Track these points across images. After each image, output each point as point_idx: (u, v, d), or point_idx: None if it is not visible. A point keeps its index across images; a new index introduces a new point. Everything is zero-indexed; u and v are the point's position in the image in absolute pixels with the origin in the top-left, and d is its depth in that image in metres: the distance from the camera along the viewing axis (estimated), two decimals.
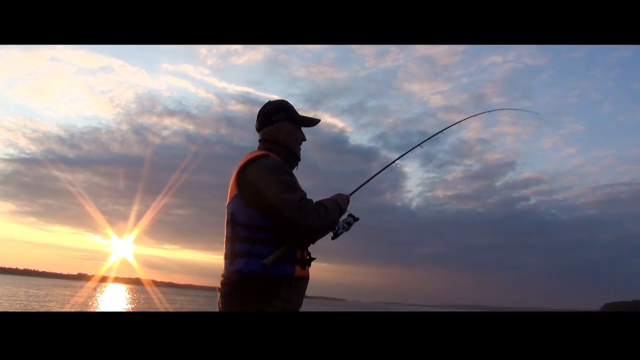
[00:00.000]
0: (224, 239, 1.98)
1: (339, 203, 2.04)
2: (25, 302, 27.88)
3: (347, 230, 2.12)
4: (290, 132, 2.12)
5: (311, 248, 2.04)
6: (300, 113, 2.18)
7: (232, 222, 1.94)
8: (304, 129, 2.20)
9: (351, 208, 2.17)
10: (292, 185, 1.90)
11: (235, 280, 1.87)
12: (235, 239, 1.92)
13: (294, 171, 2.12)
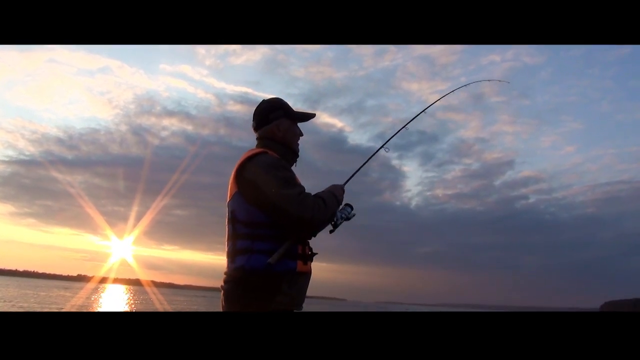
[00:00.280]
0: (226, 237, 1.99)
1: (335, 194, 2.06)
2: (25, 304, 27.86)
3: (346, 220, 2.14)
4: (288, 128, 2.14)
5: (312, 245, 2.04)
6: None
7: (233, 220, 1.96)
8: (299, 125, 2.22)
9: (349, 203, 2.19)
10: (291, 181, 1.92)
11: (237, 277, 1.88)
12: (236, 236, 1.93)
13: (293, 167, 2.13)
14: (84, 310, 27.45)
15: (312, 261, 2.03)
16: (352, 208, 2.19)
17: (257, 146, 2.13)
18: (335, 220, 2.08)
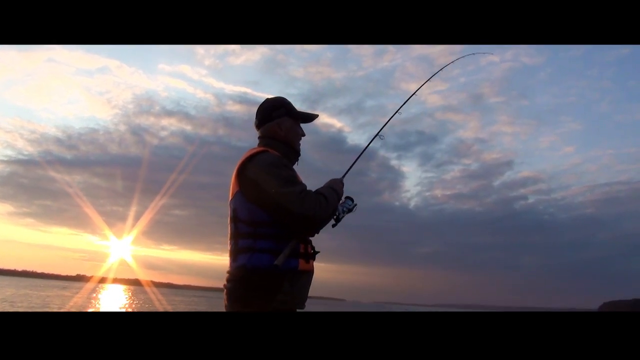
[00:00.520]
0: (228, 236, 1.99)
1: (335, 189, 2.06)
2: (24, 304, 27.82)
3: (348, 212, 2.15)
4: (290, 127, 2.14)
5: (313, 244, 2.04)
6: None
7: (235, 219, 1.96)
8: (303, 126, 2.22)
9: (350, 196, 2.20)
10: (292, 179, 1.92)
11: (239, 276, 1.88)
12: (238, 235, 1.94)
13: (295, 166, 2.13)
14: (84, 309, 27.42)
15: (314, 259, 2.02)
16: (352, 200, 2.20)
17: (259, 145, 2.12)
18: (337, 214, 2.08)
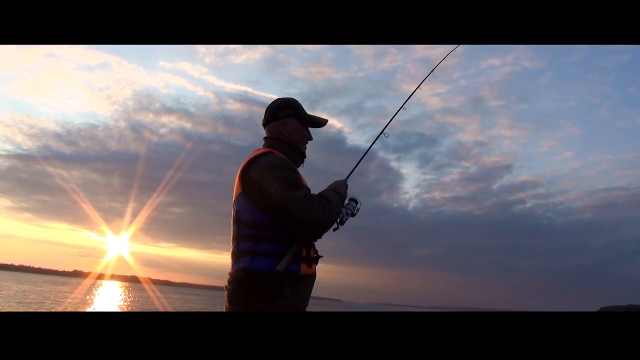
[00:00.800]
0: (231, 237, 1.96)
1: (338, 192, 2.03)
2: (22, 300, 27.78)
3: (352, 216, 2.11)
4: (295, 129, 2.09)
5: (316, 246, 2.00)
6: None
7: (237, 220, 1.93)
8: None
9: (354, 197, 2.17)
10: (295, 182, 1.88)
11: (240, 279, 1.85)
12: (240, 237, 1.90)
13: (300, 169, 2.09)
14: (84, 307, 27.38)
15: (317, 264, 1.98)
16: (357, 202, 2.15)
17: (264, 145, 2.09)
18: (340, 217, 2.04)
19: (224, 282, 1.95)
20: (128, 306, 33.21)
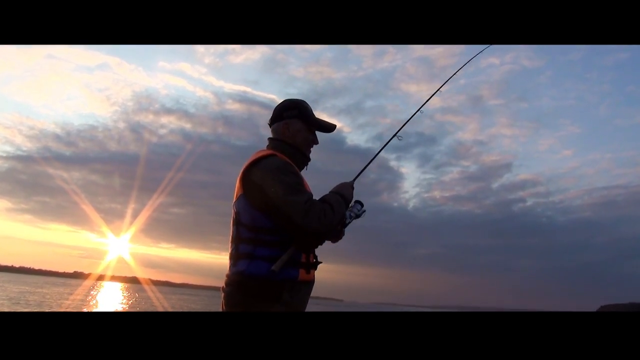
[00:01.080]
0: (230, 238, 1.94)
1: (343, 195, 1.97)
2: (22, 301, 27.76)
3: (356, 218, 2.07)
4: (298, 130, 2.04)
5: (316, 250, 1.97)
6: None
7: (237, 222, 1.90)
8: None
9: (359, 200, 2.11)
10: (297, 187, 1.84)
11: (238, 282, 1.83)
12: (239, 239, 1.88)
13: (303, 171, 2.06)
14: (83, 308, 27.39)
15: (316, 269, 1.95)
16: (362, 205, 2.10)
17: (268, 146, 2.06)
18: (344, 220, 2.01)
19: (223, 283, 1.93)
20: (128, 307, 33.19)
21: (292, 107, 2.07)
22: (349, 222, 2.04)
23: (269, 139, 2.09)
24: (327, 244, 2.04)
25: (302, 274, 1.86)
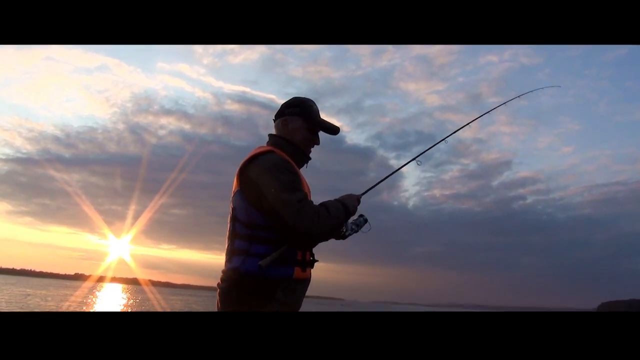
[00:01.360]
0: (226, 235, 1.91)
1: (345, 204, 1.92)
2: (22, 303, 27.75)
3: (356, 232, 2.03)
4: (297, 128, 2.01)
5: (314, 248, 1.94)
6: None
7: (234, 218, 1.88)
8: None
9: (364, 215, 2.08)
10: (293, 185, 1.80)
11: (232, 278, 1.81)
12: (235, 236, 1.85)
13: (303, 170, 2.03)
14: (83, 309, 27.38)
15: (312, 267, 1.92)
16: (366, 221, 2.04)
17: (267, 143, 2.03)
18: (343, 231, 1.96)
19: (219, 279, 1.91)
20: (127, 308, 33.17)
21: (295, 104, 2.04)
22: (349, 234, 2.00)
23: (270, 135, 2.06)
24: (328, 242, 1.99)
25: (297, 272, 1.83)
